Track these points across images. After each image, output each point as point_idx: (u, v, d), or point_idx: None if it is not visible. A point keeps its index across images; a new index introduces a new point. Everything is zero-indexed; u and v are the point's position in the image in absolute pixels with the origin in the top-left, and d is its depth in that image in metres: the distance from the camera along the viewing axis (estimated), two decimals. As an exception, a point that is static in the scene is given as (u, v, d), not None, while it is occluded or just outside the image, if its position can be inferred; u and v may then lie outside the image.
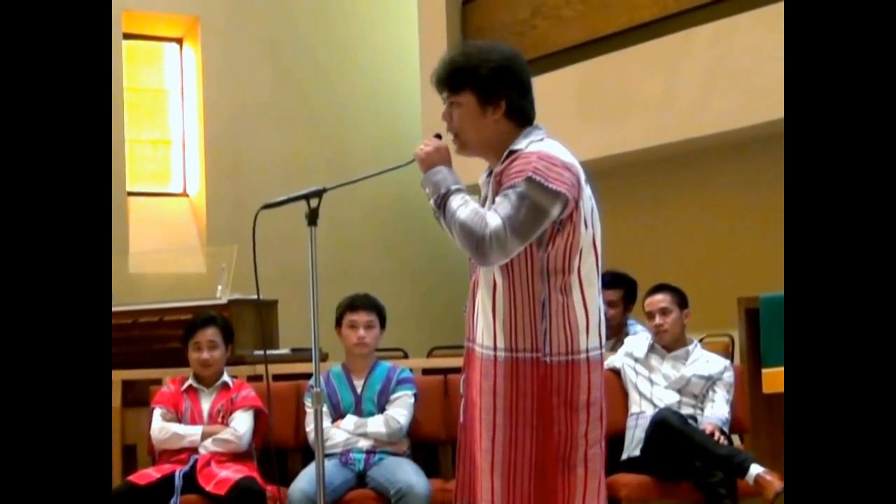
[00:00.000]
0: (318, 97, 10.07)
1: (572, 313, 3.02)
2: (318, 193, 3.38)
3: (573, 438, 3.03)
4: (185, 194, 9.97)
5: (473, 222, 2.93)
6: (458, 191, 3.05)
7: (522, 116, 3.14)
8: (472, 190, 3.09)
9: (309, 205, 3.38)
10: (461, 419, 3.21)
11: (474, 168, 3.30)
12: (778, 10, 6.59)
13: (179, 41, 10.03)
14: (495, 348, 3.00)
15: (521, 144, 3.07)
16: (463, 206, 2.99)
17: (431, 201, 3.07)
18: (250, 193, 8.82)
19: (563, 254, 3.02)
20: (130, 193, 9.57)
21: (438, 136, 3.21)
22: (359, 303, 5.23)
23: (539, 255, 3.00)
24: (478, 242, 2.92)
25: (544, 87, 8.71)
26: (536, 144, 3.06)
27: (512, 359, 2.99)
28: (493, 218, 2.92)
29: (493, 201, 3.01)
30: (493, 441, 2.99)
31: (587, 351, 3.05)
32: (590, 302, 3.08)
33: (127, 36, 9.66)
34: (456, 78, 3.14)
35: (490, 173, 3.18)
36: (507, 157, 3.07)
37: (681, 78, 7.31)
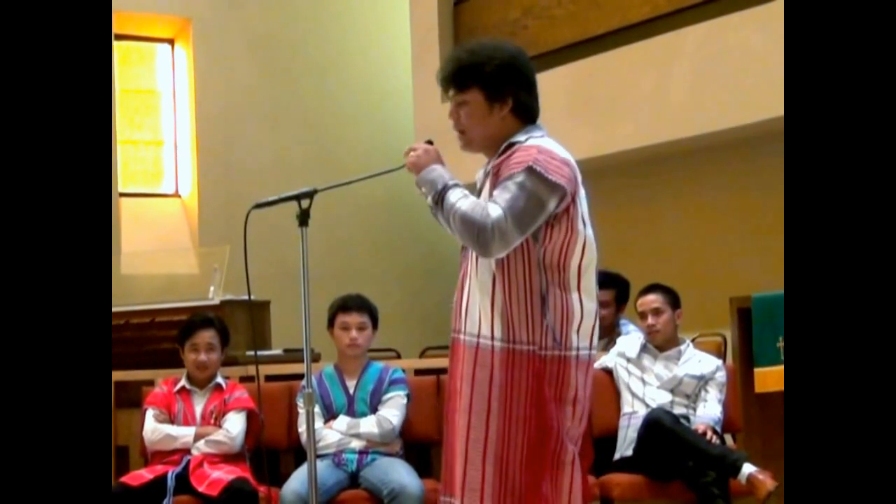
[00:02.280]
0: (310, 97, 10.06)
1: (568, 310, 3.05)
2: (310, 194, 3.39)
3: (562, 433, 3.06)
4: (176, 195, 9.96)
5: (475, 213, 2.94)
6: (456, 185, 3.07)
7: (528, 113, 3.17)
8: (469, 189, 3.10)
9: (300, 205, 3.38)
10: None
11: (470, 166, 3.31)
12: (769, 9, 6.61)
13: (171, 42, 10.02)
14: (493, 338, 3.02)
15: (520, 138, 3.10)
16: (463, 199, 3.00)
17: (429, 199, 3.08)
18: (242, 194, 8.79)
19: (559, 249, 3.04)
20: (122, 194, 9.55)
21: (430, 143, 3.22)
22: (351, 304, 5.22)
23: (535, 249, 3.02)
24: (479, 232, 2.93)
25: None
26: (536, 140, 3.09)
27: (509, 349, 3.01)
28: (494, 208, 2.94)
29: (491, 193, 3.02)
30: (486, 430, 3.01)
31: (577, 349, 3.08)
32: (586, 302, 3.11)
33: (119, 37, 9.65)
34: (462, 76, 3.15)
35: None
36: (506, 149, 3.09)
37: (672, 78, 7.32)
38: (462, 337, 3.09)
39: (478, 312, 3.05)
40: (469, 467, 3.02)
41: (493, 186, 3.03)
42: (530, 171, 2.97)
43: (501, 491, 3.00)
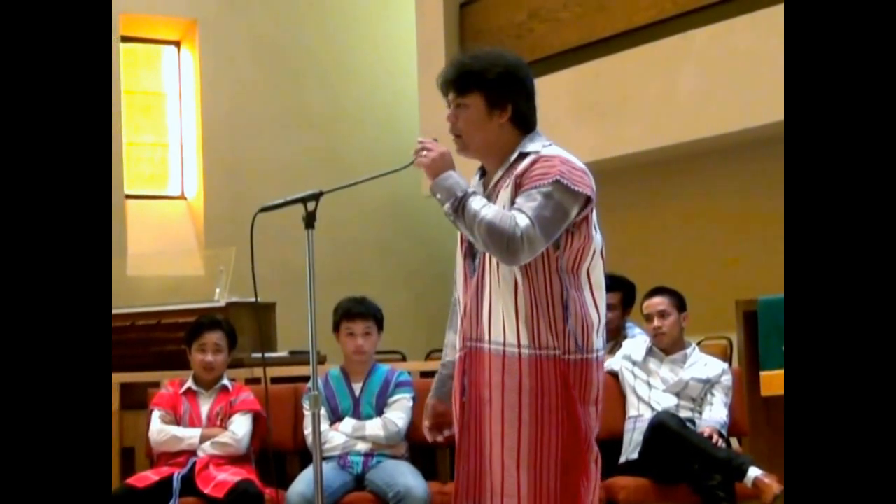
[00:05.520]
0: (316, 100, 10.07)
1: (587, 312, 3.09)
2: (316, 196, 3.39)
3: (589, 434, 3.10)
4: (182, 197, 9.97)
5: (503, 222, 2.95)
6: (475, 193, 3.08)
7: (525, 123, 3.19)
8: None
9: (306, 208, 3.38)
10: (460, 420, 3.22)
11: (471, 172, 3.31)
12: (775, 12, 6.60)
13: (177, 44, 10.03)
14: (519, 345, 3.03)
15: (533, 147, 3.12)
16: (486, 207, 3.01)
17: (447, 205, 3.07)
18: (248, 196, 8.81)
19: (575, 255, 3.08)
20: (128, 196, 9.56)
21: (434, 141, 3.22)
22: (355, 311, 5.20)
23: (555, 256, 3.05)
24: (509, 241, 2.94)
25: (542, 90, 8.63)
26: (549, 149, 3.12)
27: (536, 356, 3.03)
28: (522, 217, 2.95)
29: (512, 202, 3.03)
30: (518, 438, 3.03)
31: (597, 351, 3.12)
32: (600, 303, 3.15)
33: (125, 39, 9.66)
34: (465, 80, 3.16)
35: (482, 174, 3.23)
36: (519, 158, 3.11)
37: (679, 80, 7.31)
38: (487, 346, 3.10)
39: (501, 321, 3.07)
40: (505, 475, 3.04)
41: (515, 196, 3.04)
42: (557, 183, 2.99)
43: (537, 495, 3.03)
